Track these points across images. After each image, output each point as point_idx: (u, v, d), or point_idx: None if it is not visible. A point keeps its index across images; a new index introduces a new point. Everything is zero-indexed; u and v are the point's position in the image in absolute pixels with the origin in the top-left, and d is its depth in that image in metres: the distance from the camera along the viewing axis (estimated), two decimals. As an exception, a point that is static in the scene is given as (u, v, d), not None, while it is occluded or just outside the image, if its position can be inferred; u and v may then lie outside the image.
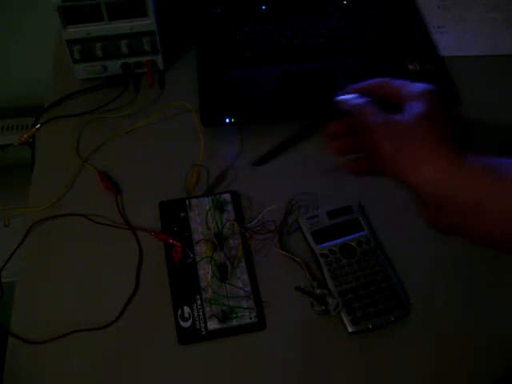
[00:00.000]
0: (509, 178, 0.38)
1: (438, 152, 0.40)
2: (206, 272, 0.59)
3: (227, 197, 0.64)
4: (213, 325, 0.56)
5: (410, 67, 0.75)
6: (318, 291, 0.57)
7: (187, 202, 0.64)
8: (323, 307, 0.56)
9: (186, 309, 0.57)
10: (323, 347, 0.56)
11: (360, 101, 0.46)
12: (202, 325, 0.56)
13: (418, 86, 0.45)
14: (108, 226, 0.62)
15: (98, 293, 0.58)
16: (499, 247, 0.39)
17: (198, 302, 0.57)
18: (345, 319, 0.56)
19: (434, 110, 0.43)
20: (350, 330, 0.55)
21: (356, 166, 0.49)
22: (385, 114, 0.44)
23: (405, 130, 0.42)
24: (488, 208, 0.38)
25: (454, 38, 0.83)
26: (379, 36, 0.79)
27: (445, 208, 0.40)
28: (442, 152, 0.40)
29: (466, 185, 0.39)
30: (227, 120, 0.70)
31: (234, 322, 0.56)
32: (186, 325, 0.56)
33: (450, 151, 0.40)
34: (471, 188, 0.39)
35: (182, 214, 0.63)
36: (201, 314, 0.57)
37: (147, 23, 0.70)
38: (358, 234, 0.61)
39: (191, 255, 0.60)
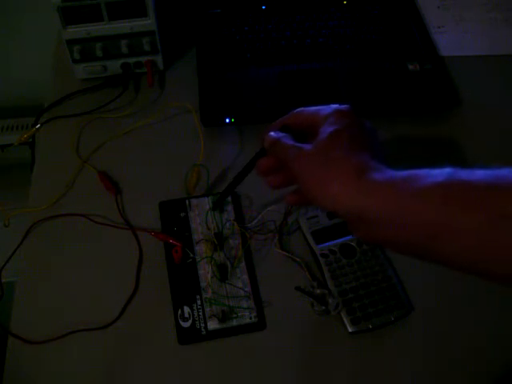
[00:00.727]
0: (402, 190, 0.39)
1: (338, 172, 0.42)
2: (205, 272, 0.59)
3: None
4: (213, 325, 0.56)
5: (410, 67, 0.75)
6: (318, 291, 0.57)
7: (187, 201, 0.64)
8: (323, 307, 0.56)
9: (186, 309, 0.57)
10: (323, 347, 0.56)
11: (272, 139, 0.49)
12: (202, 325, 0.56)
13: (328, 109, 0.47)
14: (108, 225, 0.62)
15: (98, 293, 0.58)
16: (417, 256, 0.41)
17: (198, 302, 0.57)
18: (345, 319, 0.56)
19: (339, 130, 0.44)
20: (349, 330, 0.55)
21: (292, 198, 0.51)
22: (296, 147, 0.46)
23: (310, 158, 0.44)
24: (386, 219, 0.40)
25: (453, 37, 0.83)
26: (379, 36, 0.79)
27: (360, 223, 0.42)
28: (342, 171, 0.42)
29: (369, 198, 0.40)
30: (227, 120, 0.70)
31: (234, 322, 0.56)
32: (185, 325, 0.56)
33: (351, 168, 0.42)
34: (374, 201, 0.40)
35: (182, 214, 0.63)
36: (201, 314, 0.57)
37: (147, 23, 0.70)
38: (358, 234, 0.61)
39: (191, 255, 0.60)
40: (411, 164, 0.69)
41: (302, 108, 0.50)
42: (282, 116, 0.71)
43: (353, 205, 0.41)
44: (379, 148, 0.45)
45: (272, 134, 0.50)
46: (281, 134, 0.49)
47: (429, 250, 0.39)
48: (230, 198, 0.64)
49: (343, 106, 0.47)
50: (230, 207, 0.64)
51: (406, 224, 0.39)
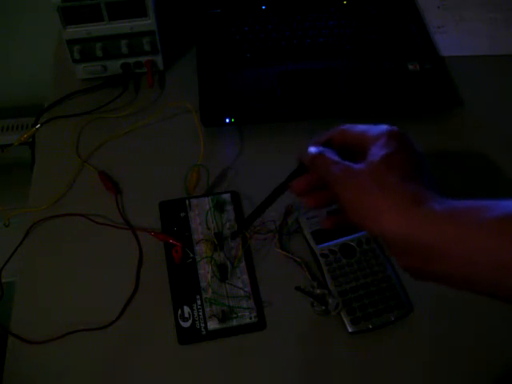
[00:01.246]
0: (465, 222, 0.37)
1: (394, 199, 0.40)
2: (205, 272, 0.59)
3: (227, 197, 0.64)
4: (213, 325, 0.56)
5: (410, 67, 0.75)
6: (318, 291, 0.57)
7: (187, 201, 0.64)
8: (323, 307, 0.56)
9: (186, 309, 0.57)
10: (323, 347, 0.56)
11: (314, 153, 0.46)
12: (202, 325, 0.56)
13: (378, 130, 0.45)
14: (108, 225, 0.62)
15: (98, 293, 0.58)
16: (461, 288, 0.39)
17: (198, 302, 0.57)
18: (345, 319, 0.56)
19: (392, 154, 0.42)
20: (349, 330, 0.55)
21: (330, 222, 0.49)
22: (343, 164, 0.44)
23: (361, 179, 0.42)
24: (445, 252, 0.38)
25: (454, 37, 0.83)
26: (379, 36, 0.79)
27: (407, 253, 0.40)
28: (398, 199, 0.40)
29: (423, 230, 0.38)
30: (227, 120, 0.70)
31: (234, 322, 0.56)
32: (185, 325, 0.56)
33: (407, 196, 0.40)
34: (429, 233, 0.38)
35: (182, 214, 0.63)
36: (201, 314, 0.57)
37: (147, 23, 0.70)
38: (357, 234, 0.61)
39: (191, 255, 0.60)
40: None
41: (350, 125, 0.48)
42: (282, 116, 0.72)
43: (404, 234, 0.39)
44: (430, 174, 0.43)
45: (314, 148, 0.46)
46: (324, 149, 0.46)
47: (496, 286, 0.37)
48: (229, 198, 0.64)
49: (394, 128, 0.45)
50: (230, 207, 0.64)
51: (467, 258, 0.37)
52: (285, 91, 0.72)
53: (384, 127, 0.45)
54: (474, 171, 0.68)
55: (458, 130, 0.73)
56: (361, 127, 0.46)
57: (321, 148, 0.46)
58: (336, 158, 0.44)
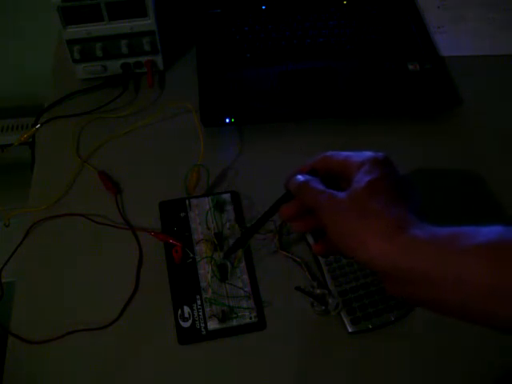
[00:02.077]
0: (447, 249, 0.38)
1: (377, 226, 0.40)
2: (205, 272, 0.59)
3: (227, 197, 0.64)
4: (213, 325, 0.56)
5: (410, 67, 0.75)
6: (318, 291, 0.57)
7: (187, 201, 0.64)
8: (323, 307, 0.56)
9: (186, 309, 0.57)
10: (323, 347, 0.56)
11: (299, 182, 0.46)
12: (202, 325, 0.56)
13: (362, 156, 0.45)
14: (108, 225, 0.62)
15: (98, 293, 0.58)
16: (458, 316, 0.39)
17: (198, 302, 0.57)
18: (345, 319, 0.56)
19: (376, 181, 0.42)
20: (349, 330, 0.55)
21: (319, 248, 0.49)
22: (327, 193, 0.44)
23: (345, 207, 0.42)
24: (431, 278, 0.38)
25: (453, 37, 0.83)
26: (379, 36, 0.79)
27: (394, 280, 0.40)
28: (382, 225, 0.40)
29: (410, 257, 0.38)
30: (227, 120, 0.70)
31: (234, 322, 0.56)
32: (185, 325, 0.56)
33: (391, 222, 0.40)
34: (416, 259, 0.38)
35: (182, 214, 0.63)
36: (201, 314, 0.57)
37: (147, 23, 0.70)
38: (358, 234, 0.61)
39: (191, 255, 0.60)
40: (411, 164, 0.69)
41: (333, 152, 0.48)
42: (282, 116, 0.72)
43: (390, 261, 0.39)
44: (416, 200, 0.43)
45: (299, 176, 0.47)
46: (309, 177, 0.47)
47: (474, 311, 0.37)
48: (229, 198, 0.64)
49: (379, 154, 0.45)
50: (230, 207, 0.64)
51: (449, 285, 0.37)
52: (285, 91, 0.72)
53: (367, 153, 0.45)
54: (474, 171, 0.68)
55: (458, 130, 0.73)
56: (344, 154, 0.47)
57: (306, 176, 0.47)
58: (320, 187, 0.45)
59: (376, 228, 0.40)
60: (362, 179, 0.43)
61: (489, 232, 0.37)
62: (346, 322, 0.56)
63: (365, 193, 0.42)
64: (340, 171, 0.46)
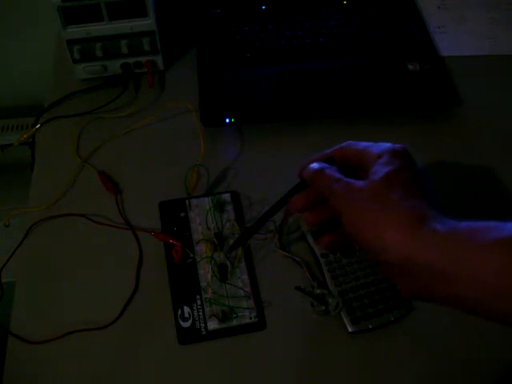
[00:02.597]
0: (468, 243, 0.37)
1: (396, 217, 0.39)
2: (205, 272, 0.59)
3: (227, 197, 0.64)
4: (213, 325, 0.56)
5: (410, 67, 0.75)
6: (318, 291, 0.57)
7: (187, 201, 0.64)
8: (323, 307, 0.56)
9: (186, 309, 0.57)
10: (323, 347, 0.56)
11: (316, 169, 0.45)
12: (202, 325, 0.56)
13: (381, 147, 0.44)
14: (108, 225, 0.62)
15: (98, 293, 0.58)
16: (473, 312, 0.38)
17: (198, 302, 0.57)
18: (345, 319, 0.56)
19: (395, 172, 0.42)
20: (349, 330, 0.55)
21: (330, 239, 0.49)
22: (344, 181, 0.43)
23: (363, 197, 0.41)
24: (449, 274, 0.37)
25: (453, 37, 0.83)
26: (379, 36, 0.79)
27: (408, 273, 0.40)
28: (400, 217, 0.39)
29: (428, 250, 0.38)
30: (227, 120, 0.70)
31: (234, 322, 0.56)
32: (185, 325, 0.56)
33: (409, 215, 0.39)
34: (434, 254, 0.38)
35: (182, 214, 0.63)
36: (201, 313, 0.57)
37: (147, 23, 0.70)
38: (358, 234, 0.61)
39: (191, 255, 0.60)
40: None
41: (352, 142, 0.47)
42: (282, 116, 0.72)
43: (407, 254, 0.38)
44: (434, 193, 0.43)
45: (315, 164, 0.46)
46: (325, 165, 0.46)
47: (492, 310, 0.36)
48: (229, 198, 0.64)
49: (398, 146, 0.45)
50: (230, 207, 0.64)
51: (466, 281, 0.36)
52: (285, 91, 0.72)
53: (386, 145, 0.45)
54: (474, 171, 0.68)
55: (458, 130, 0.73)
56: (363, 144, 0.46)
57: (322, 164, 0.46)
58: (337, 175, 0.44)
59: (395, 220, 0.39)
60: (380, 170, 0.42)
61: (511, 227, 0.36)
62: (346, 322, 0.56)
63: (383, 184, 0.41)
64: (358, 161, 0.46)
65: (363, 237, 0.41)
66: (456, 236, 0.38)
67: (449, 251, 0.37)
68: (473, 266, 0.36)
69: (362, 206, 0.41)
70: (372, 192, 0.41)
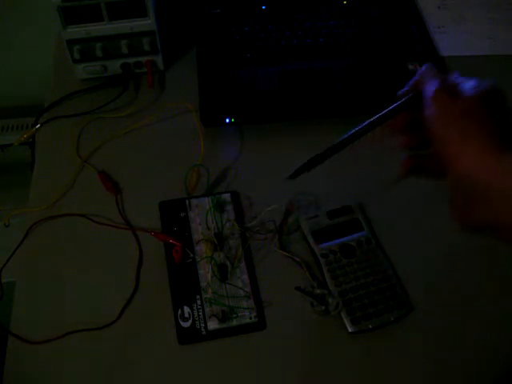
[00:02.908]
0: None
1: (487, 140, 0.39)
2: (205, 272, 0.59)
3: (227, 197, 0.64)
4: (213, 325, 0.56)
5: (410, 67, 0.75)
6: (318, 291, 0.57)
7: (187, 201, 0.64)
8: (323, 307, 0.56)
9: (186, 309, 0.57)
10: (323, 347, 0.56)
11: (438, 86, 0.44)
12: (202, 325, 0.56)
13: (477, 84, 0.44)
14: (108, 225, 0.62)
15: (98, 293, 0.58)
16: None
17: (198, 302, 0.57)
18: (345, 319, 0.56)
19: (490, 94, 0.42)
20: (349, 330, 0.55)
21: (410, 162, 0.48)
22: (445, 80, 0.44)
23: (463, 108, 0.41)
24: None
25: (453, 38, 0.83)
26: (379, 36, 0.79)
27: (479, 200, 0.39)
28: (492, 141, 0.39)
29: (507, 176, 0.38)
30: (227, 120, 0.70)
31: (234, 322, 0.56)
32: (185, 325, 0.56)
33: (502, 141, 0.39)
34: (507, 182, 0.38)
35: (182, 214, 0.63)
36: (201, 313, 0.57)
37: (147, 23, 0.70)
38: (357, 234, 0.61)
39: (191, 255, 0.60)
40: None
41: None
42: (282, 116, 0.72)
43: (486, 177, 0.38)
44: None
45: (436, 82, 0.44)
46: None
47: None
48: (229, 198, 0.64)
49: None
50: (230, 207, 0.64)
51: None
52: (285, 91, 0.72)
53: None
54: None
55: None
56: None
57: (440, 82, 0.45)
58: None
59: (485, 141, 0.39)
60: (473, 88, 0.42)
61: None
62: (346, 322, 0.56)
63: (480, 102, 0.41)
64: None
65: (447, 153, 0.41)
66: None
67: None
68: None
69: (456, 119, 0.41)
70: (471, 107, 0.41)
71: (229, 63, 0.76)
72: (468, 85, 0.43)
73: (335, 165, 0.69)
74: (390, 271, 0.59)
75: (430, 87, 0.43)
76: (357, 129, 0.49)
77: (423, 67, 0.47)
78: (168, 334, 0.56)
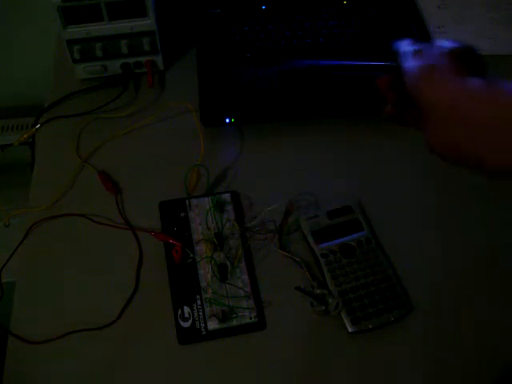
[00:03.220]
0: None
1: (453, 74, 0.46)
2: (205, 272, 0.59)
3: (227, 197, 0.64)
4: (213, 325, 0.56)
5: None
6: (318, 291, 0.57)
7: (187, 201, 0.64)
8: (323, 307, 0.56)
9: (186, 309, 0.57)
10: (323, 347, 0.56)
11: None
12: (202, 325, 0.56)
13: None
14: (108, 225, 0.62)
15: (98, 293, 0.58)
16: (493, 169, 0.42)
17: (198, 302, 0.57)
18: (345, 319, 0.56)
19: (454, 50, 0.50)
20: (350, 330, 0.55)
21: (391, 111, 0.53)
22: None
23: (433, 56, 0.48)
24: (496, 122, 0.41)
25: (453, 38, 0.83)
26: (379, 36, 0.79)
27: (449, 121, 0.44)
28: (456, 74, 0.46)
29: (472, 99, 0.43)
30: (227, 120, 0.70)
31: (234, 322, 0.56)
32: (185, 325, 0.56)
33: (459, 75, 0.46)
34: (478, 102, 0.42)
35: (182, 214, 0.63)
36: (201, 314, 0.57)
37: (147, 23, 0.70)
38: (357, 234, 0.61)
39: (191, 255, 0.60)
40: (412, 164, 0.69)
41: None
42: (282, 116, 0.72)
43: (452, 102, 0.43)
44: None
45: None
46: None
47: None
48: (229, 198, 0.64)
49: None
50: (230, 207, 0.64)
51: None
52: (285, 91, 0.72)
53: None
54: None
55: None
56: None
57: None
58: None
59: (450, 75, 0.46)
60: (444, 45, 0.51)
61: None
62: (346, 322, 0.56)
63: (450, 53, 0.49)
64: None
65: (419, 88, 0.46)
66: (499, 89, 0.43)
67: (493, 100, 0.42)
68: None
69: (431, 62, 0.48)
70: (442, 55, 0.49)
71: (229, 63, 0.76)
72: (442, 43, 0.51)
73: (335, 165, 0.69)
74: (390, 271, 0.59)
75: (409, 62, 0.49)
76: (342, 63, 0.57)
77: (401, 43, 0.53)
78: (168, 333, 0.56)
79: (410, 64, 0.49)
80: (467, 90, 0.44)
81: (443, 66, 0.47)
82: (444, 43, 0.51)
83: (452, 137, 0.44)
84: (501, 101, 0.42)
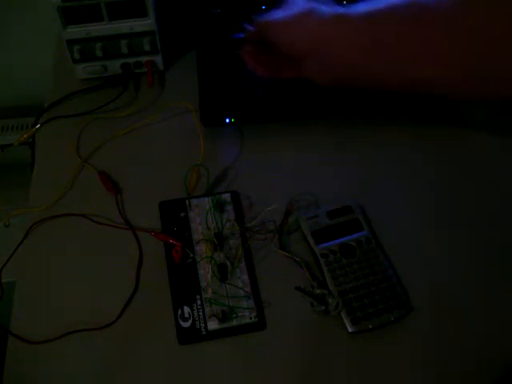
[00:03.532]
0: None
1: (299, 18, 0.56)
2: (205, 272, 0.59)
3: (227, 197, 0.64)
4: (213, 325, 0.56)
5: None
6: (318, 291, 0.57)
7: (187, 201, 0.64)
8: (323, 307, 0.56)
9: (186, 309, 0.57)
10: (323, 347, 0.56)
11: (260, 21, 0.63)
12: (202, 325, 0.56)
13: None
14: (108, 225, 0.62)
15: (98, 293, 0.58)
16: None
17: (198, 302, 0.57)
18: (345, 319, 0.56)
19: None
20: (350, 330, 0.55)
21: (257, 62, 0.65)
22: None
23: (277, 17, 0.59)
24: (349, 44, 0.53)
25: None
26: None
27: (320, 55, 0.54)
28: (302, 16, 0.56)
29: (324, 26, 0.54)
30: (227, 120, 0.70)
31: (234, 322, 0.56)
32: (186, 325, 0.56)
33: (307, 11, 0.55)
34: (342, 30, 0.53)
35: (182, 214, 0.63)
36: (201, 314, 0.57)
37: (147, 23, 0.70)
38: (357, 234, 0.61)
39: (191, 255, 0.60)
40: (412, 164, 0.69)
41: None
42: (282, 116, 0.72)
43: (316, 38, 0.54)
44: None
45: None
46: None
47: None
48: (229, 198, 0.64)
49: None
50: (230, 207, 0.64)
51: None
52: (285, 91, 0.72)
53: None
54: (474, 171, 0.68)
55: (458, 130, 0.72)
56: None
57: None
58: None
59: (299, 19, 0.56)
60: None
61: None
62: (346, 322, 0.56)
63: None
64: None
65: (284, 43, 0.58)
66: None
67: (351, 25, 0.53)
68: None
69: (278, 22, 0.58)
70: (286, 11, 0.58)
71: (229, 63, 0.76)
72: None
73: (335, 165, 0.69)
74: (390, 271, 0.59)
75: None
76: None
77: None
78: (168, 333, 0.56)
79: (277, 16, 0.58)
80: (324, 30, 0.54)
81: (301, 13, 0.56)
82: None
83: (332, 72, 0.55)
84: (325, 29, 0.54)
